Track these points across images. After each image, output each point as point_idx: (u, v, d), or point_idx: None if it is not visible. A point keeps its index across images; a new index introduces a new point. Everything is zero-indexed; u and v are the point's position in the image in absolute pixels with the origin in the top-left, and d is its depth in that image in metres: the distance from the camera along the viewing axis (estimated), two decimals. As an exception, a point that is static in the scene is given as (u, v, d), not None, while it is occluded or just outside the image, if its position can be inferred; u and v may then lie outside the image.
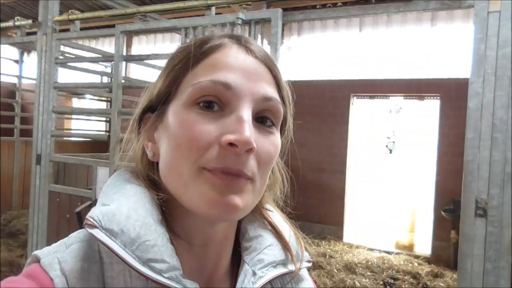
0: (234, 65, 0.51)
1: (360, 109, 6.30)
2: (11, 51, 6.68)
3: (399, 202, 6.58)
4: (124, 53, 2.74)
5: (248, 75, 0.51)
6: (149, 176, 0.56)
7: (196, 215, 0.49)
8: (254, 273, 0.54)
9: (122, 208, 0.48)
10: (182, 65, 0.53)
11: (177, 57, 0.54)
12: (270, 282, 0.55)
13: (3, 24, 3.10)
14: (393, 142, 9.31)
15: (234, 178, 0.47)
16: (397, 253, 5.37)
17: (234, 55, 0.52)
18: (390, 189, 7.03)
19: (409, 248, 5.68)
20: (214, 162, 0.47)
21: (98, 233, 0.45)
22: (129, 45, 7.58)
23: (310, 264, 0.63)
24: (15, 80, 6.49)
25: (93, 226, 0.46)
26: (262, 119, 0.52)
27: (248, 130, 0.47)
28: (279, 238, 0.59)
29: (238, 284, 0.53)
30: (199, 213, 0.48)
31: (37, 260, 0.48)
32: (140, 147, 0.57)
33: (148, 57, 2.78)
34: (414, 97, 5.81)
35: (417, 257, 5.21)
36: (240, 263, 0.56)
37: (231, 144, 0.46)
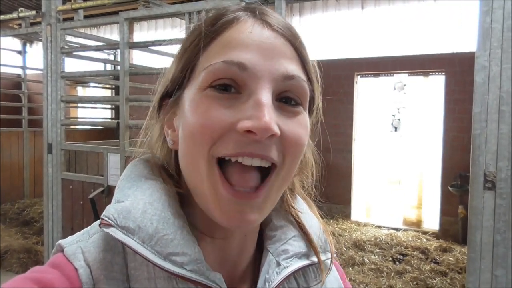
0: (249, 42, 0.45)
1: (364, 88, 6.27)
2: (14, 43, 6.68)
3: (406, 179, 6.61)
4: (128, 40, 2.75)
5: (265, 52, 0.45)
6: (169, 165, 0.54)
7: None
8: (278, 264, 0.52)
9: (137, 203, 0.47)
10: (194, 47, 0.48)
11: (188, 39, 0.50)
12: (293, 273, 0.53)
13: (8, 16, 3.11)
14: (398, 119, 9.29)
15: (252, 191, 0.45)
16: (405, 230, 5.43)
17: (248, 30, 0.46)
18: (396, 166, 7.05)
19: (417, 224, 5.73)
20: (228, 149, 0.43)
21: (115, 232, 0.44)
22: (130, 32, 7.54)
23: (334, 255, 0.60)
24: (19, 71, 6.51)
25: (109, 225, 0.45)
26: (286, 99, 0.47)
27: (268, 115, 0.42)
28: (302, 230, 0.56)
29: (262, 274, 0.51)
30: (212, 218, 0.46)
31: (61, 250, 0.47)
32: (158, 134, 0.55)
33: (153, 43, 2.79)
34: (418, 74, 5.77)
35: (425, 232, 5.27)
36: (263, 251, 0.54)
37: (248, 131, 0.42)
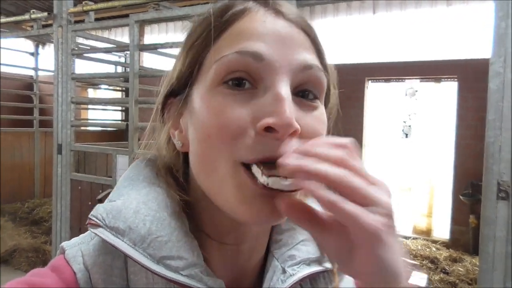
0: (264, 31, 0.42)
1: (375, 93, 6.22)
2: (27, 44, 6.77)
3: (416, 187, 6.52)
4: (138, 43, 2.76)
5: (281, 41, 0.42)
6: (176, 168, 0.50)
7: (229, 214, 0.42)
8: (283, 270, 0.48)
9: (130, 202, 0.44)
10: (202, 40, 0.45)
11: (195, 32, 0.47)
12: (300, 281, 0.48)
13: (20, 18, 3.14)
14: (409, 126, 9.20)
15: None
16: (414, 238, 5.34)
17: (261, 19, 0.43)
18: (406, 173, 6.97)
19: (427, 233, 5.64)
20: (251, 152, 0.39)
21: (102, 233, 0.41)
22: (141, 35, 7.61)
23: None
24: (31, 73, 6.59)
25: (97, 226, 0.42)
26: (303, 93, 0.43)
27: (289, 110, 0.38)
28: None
29: (266, 282, 0.48)
30: (235, 218, 0.42)
31: (63, 252, 0.46)
32: (163, 136, 0.51)
33: (163, 46, 2.80)
34: (430, 80, 5.70)
35: (435, 242, 5.18)
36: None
37: (269, 128, 0.38)
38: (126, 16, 2.79)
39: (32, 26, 3.29)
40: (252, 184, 0.39)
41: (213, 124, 0.41)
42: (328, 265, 0.50)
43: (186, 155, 0.48)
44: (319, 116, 0.44)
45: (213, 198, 0.43)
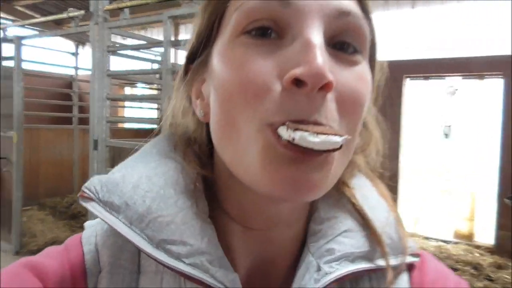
0: None
1: (413, 91, 5.99)
2: (68, 45, 7.02)
3: (457, 189, 6.23)
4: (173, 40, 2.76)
5: None
6: (200, 141, 0.44)
7: (256, 191, 0.35)
8: (319, 267, 0.39)
9: (131, 176, 0.39)
10: None
11: None
12: (342, 281, 0.39)
13: (57, 16, 3.23)
14: (449, 126, 8.81)
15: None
16: (455, 243, 5.10)
17: None
18: (447, 174, 6.68)
19: (469, 237, 5.37)
20: (278, 112, 0.33)
21: (94, 207, 0.37)
22: (176, 34, 7.71)
23: (416, 259, 0.43)
24: (72, 72, 6.82)
25: (89, 199, 0.38)
26: (340, 45, 0.36)
27: (320, 57, 0.32)
28: (364, 221, 0.42)
29: (296, 281, 0.39)
30: (260, 192, 0.35)
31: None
32: (185, 106, 0.45)
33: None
34: (473, 77, 5.42)
35: (478, 247, 4.91)
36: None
37: (297, 82, 0.32)
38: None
39: (70, 26, 3.38)
40: (276, 145, 0.33)
41: (233, 80, 0.34)
42: (381, 262, 0.40)
43: (209, 125, 0.42)
44: (361, 73, 0.36)
45: (235, 170, 0.37)
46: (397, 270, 0.41)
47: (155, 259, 0.36)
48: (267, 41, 0.35)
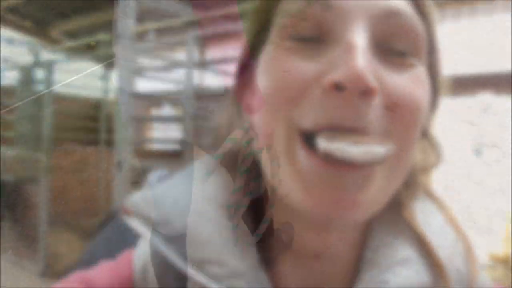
0: None
1: (442, 108, 5.85)
2: (95, 67, 7.27)
3: (492, 209, 5.98)
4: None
5: None
6: (246, 153, 0.40)
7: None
8: None
9: (171, 190, 0.38)
10: None
11: None
12: None
13: (83, 40, 3.33)
14: (481, 144, 8.55)
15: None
16: (491, 267, 4.82)
17: None
18: (480, 194, 6.44)
19: (506, 261, 5.08)
20: (314, 117, 0.30)
21: (133, 222, 0.37)
22: (203, 54, 7.87)
23: None
24: (100, 94, 7.04)
25: (130, 214, 0.38)
26: (391, 49, 0.33)
27: (361, 60, 0.29)
28: (425, 249, 0.36)
29: None
30: (298, 209, 0.32)
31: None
32: (229, 117, 0.42)
33: (221, 61, 2.79)
34: (506, 93, 5.24)
35: (516, 271, 4.63)
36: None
37: (337, 85, 0.29)
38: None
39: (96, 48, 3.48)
40: (308, 159, 0.30)
41: (270, 84, 0.33)
42: None
43: None
44: (415, 76, 0.33)
45: (271, 182, 0.34)
46: None
47: (190, 278, 0.34)
48: (308, 44, 0.33)
